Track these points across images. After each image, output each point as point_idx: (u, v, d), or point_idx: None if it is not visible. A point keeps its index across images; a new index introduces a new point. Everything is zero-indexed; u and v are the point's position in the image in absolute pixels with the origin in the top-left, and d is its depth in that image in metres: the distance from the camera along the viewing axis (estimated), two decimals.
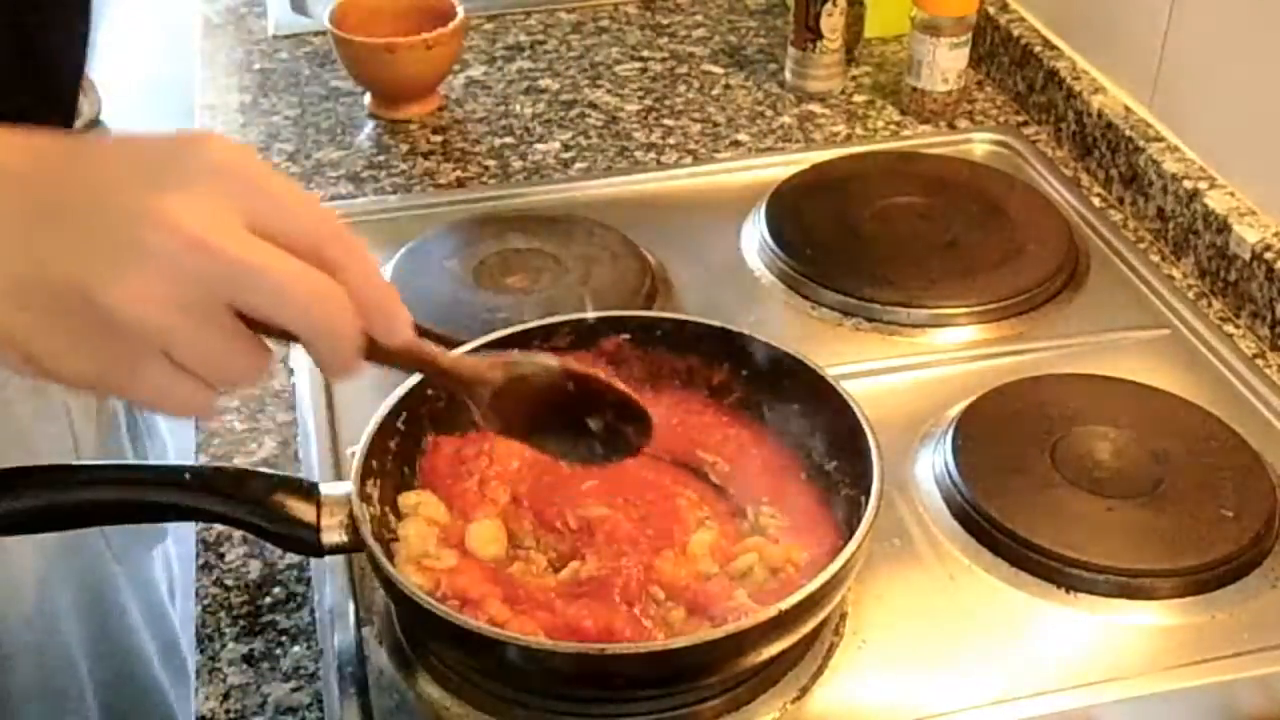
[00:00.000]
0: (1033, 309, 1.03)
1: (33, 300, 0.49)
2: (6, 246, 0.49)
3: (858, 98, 1.34)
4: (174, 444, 1.11)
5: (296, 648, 0.78)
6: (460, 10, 1.30)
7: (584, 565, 0.73)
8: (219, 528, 0.84)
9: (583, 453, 0.69)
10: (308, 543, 0.70)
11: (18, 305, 0.50)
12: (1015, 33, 1.32)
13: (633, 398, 0.70)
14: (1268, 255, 0.99)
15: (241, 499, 0.69)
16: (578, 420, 0.67)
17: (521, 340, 0.84)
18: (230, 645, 0.78)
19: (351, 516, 0.70)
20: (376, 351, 0.56)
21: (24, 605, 0.90)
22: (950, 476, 0.86)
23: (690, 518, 0.76)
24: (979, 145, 1.26)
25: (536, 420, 0.66)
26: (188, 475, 0.69)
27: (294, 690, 0.76)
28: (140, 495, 0.69)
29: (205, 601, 0.81)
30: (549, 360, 0.66)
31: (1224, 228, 1.04)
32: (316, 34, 1.45)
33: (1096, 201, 1.17)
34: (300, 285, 0.51)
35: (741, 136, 1.28)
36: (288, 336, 0.53)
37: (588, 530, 0.75)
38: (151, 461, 1.03)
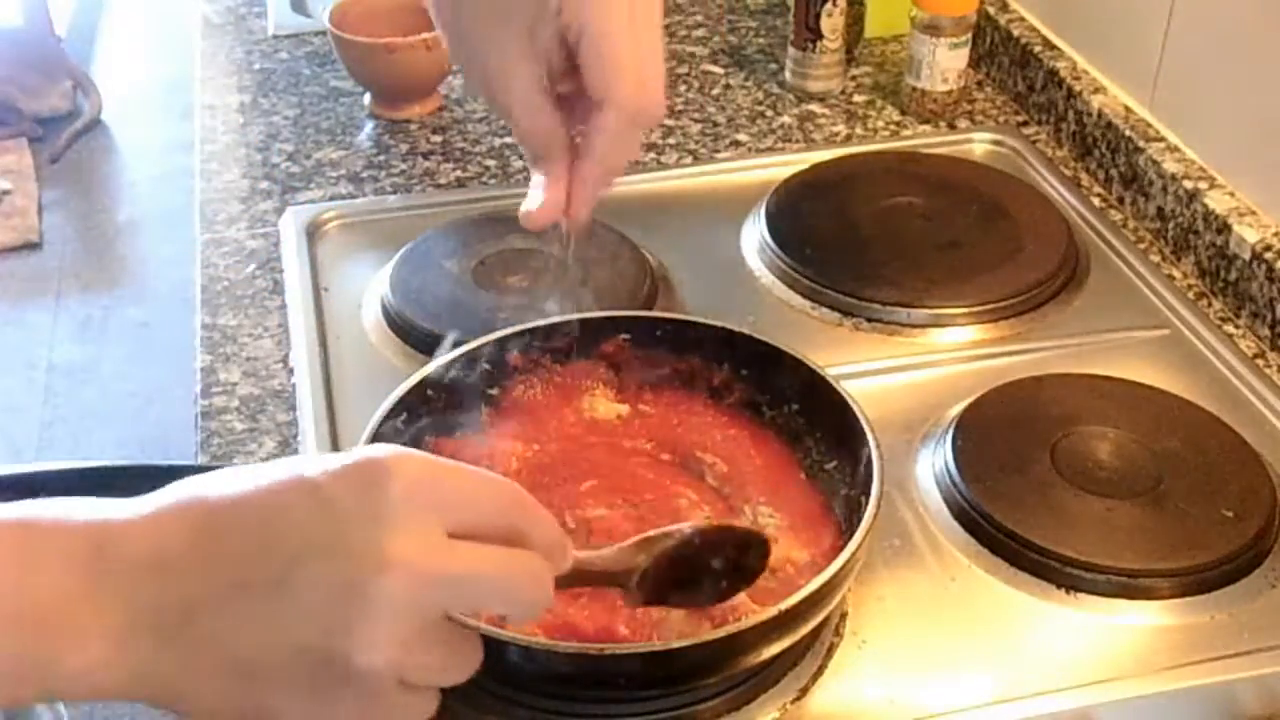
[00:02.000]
0: (1033, 309, 1.03)
1: (269, 673, 0.49)
2: (216, 627, 0.49)
3: (858, 98, 1.34)
4: None
5: None
6: None
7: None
8: None
9: (710, 594, 0.69)
10: None
11: (255, 681, 0.50)
12: (1015, 33, 1.32)
13: (753, 531, 0.71)
14: (1268, 255, 0.99)
15: None
16: (704, 565, 0.67)
17: (522, 340, 0.84)
18: None
19: None
20: None
21: None
22: (950, 476, 0.86)
23: (690, 518, 0.76)
24: (979, 145, 1.26)
25: (672, 583, 0.66)
26: (188, 475, 0.69)
27: None
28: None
29: None
30: (682, 527, 0.66)
31: (1224, 228, 1.04)
32: (316, 34, 1.45)
33: (1096, 201, 1.17)
34: (511, 581, 0.53)
35: (741, 136, 1.28)
36: None
37: (586, 531, 0.75)
38: (153, 461, 1.03)
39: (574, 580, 0.60)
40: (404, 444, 0.77)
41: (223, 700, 0.50)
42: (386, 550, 0.49)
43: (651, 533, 0.65)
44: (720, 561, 0.67)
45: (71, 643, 0.48)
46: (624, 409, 0.85)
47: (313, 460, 0.51)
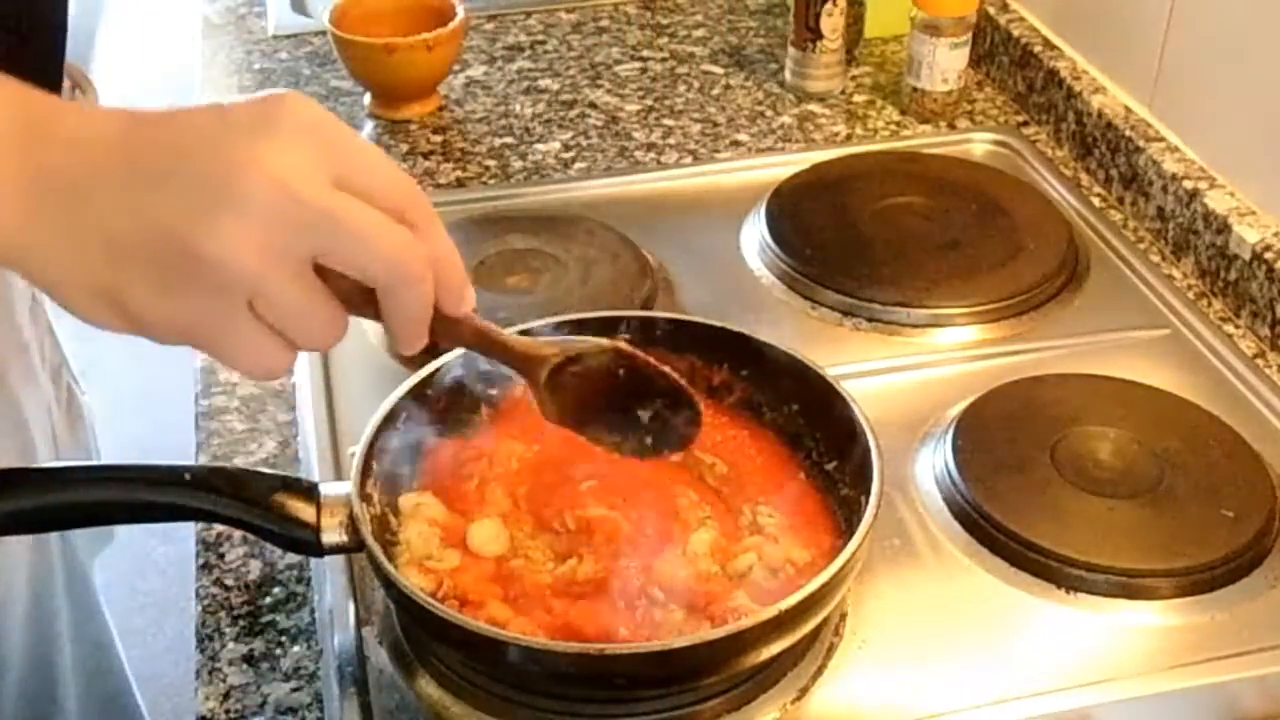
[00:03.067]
0: (1033, 309, 1.03)
1: (131, 254, 0.51)
2: (105, 205, 0.51)
3: (858, 98, 1.34)
4: None
5: (296, 648, 0.78)
6: (460, 10, 1.30)
7: (581, 565, 0.73)
8: (219, 528, 0.84)
9: (634, 444, 0.69)
10: (308, 543, 0.70)
11: (116, 259, 0.52)
12: (1015, 33, 1.32)
13: (684, 386, 0.70)
14: (1268, 255, 0.99)
15: (241, 499, 0.69)
16: (629, 411, 0.67)
17: None
18: (230, 645, 0.78)
19: (351, 517, 0.70)
20: (439, 324, 0.57)
21: (18, 606, 0.91)
22: (950, 476, 0.86)
23: (690, 518, 0.76)
24: (979, 145, 1.26)
25: (589, 410, 0.66)
26: (188, 475, 0.69)
27: (294, 690, 0.76)
28: (140, 495, 0.69)
29: (205, 601, 0.81)
30: (602, 340, 0.66)
31: (1224, 228, 1.04)
32: (316, 34, 1.45)
33: (1096, 201, 1.17)
34: (384, 237, 0.54)
35: (741, 136, 1.28)
36: (365, 305, 0.55)
37: (586, 531, 0.75)
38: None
39: (474, 339, 0.60)
40: (403, 445, 0.77)
41: (87, 273, 0.52)
42: (263, 159, 0.51)
43: (573, 336, 0.65)
44: (649, 414, 0.66)
45: None
46: None
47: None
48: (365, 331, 1.01)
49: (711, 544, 0.74)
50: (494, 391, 0.84)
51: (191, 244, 0.51)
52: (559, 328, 0.84)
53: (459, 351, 0.82)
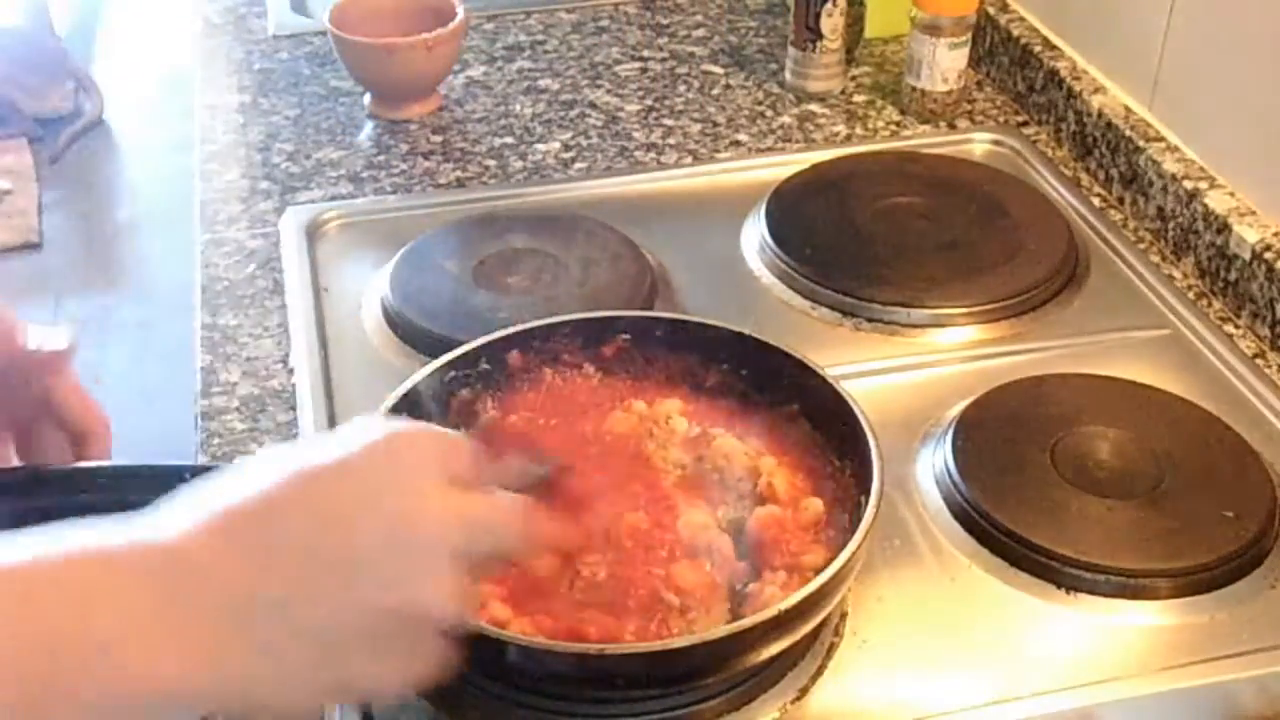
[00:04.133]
0: (1033, 309, 1.03)
1: (347, 642, 0.54)
2: (304, 612, 0.53)
3: (858, 98, 1.34)
4: None
5: None
6: (460, 10, 1.30)
7: (589, 569, 0.72)
8: None
9: None
10: None
11: (334, 652, 0.54)
12: (1015, 33, 1.32)
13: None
14: (1268, 255, 0.99)
15: None
16: None
17: (522, 340, 0.84)
18: None
19: None
20: None
21: None
22: (950, 476, 0.86)
23: (688, 516, 0.76)
24: (979, 145, 1.26)
25: None
26: (188, 475, 0.69)
27: None
28: (140, 496, 0.68)
29: None
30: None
31: (1224, 228, 1.04)
32: (316, 34, 1.45)
33: (1096, 201, 1.17)
34: (505, 508, 0.61)
35: (741, 136, 1.28)
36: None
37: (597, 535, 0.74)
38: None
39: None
40: None
41: (317, 675, 0.54)
42: (429, 512, 0.56)
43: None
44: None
45: (162, 651, 0.50)
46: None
47: (324, 448, 0.56)
48: (365, 332, 1.01)
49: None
50: (495, 391, 0.84)
51: (413, 611, 0.55)
52: (557, 328, 0.84)
53: (458, 351, 0.82)
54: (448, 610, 0.56)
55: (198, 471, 0.69)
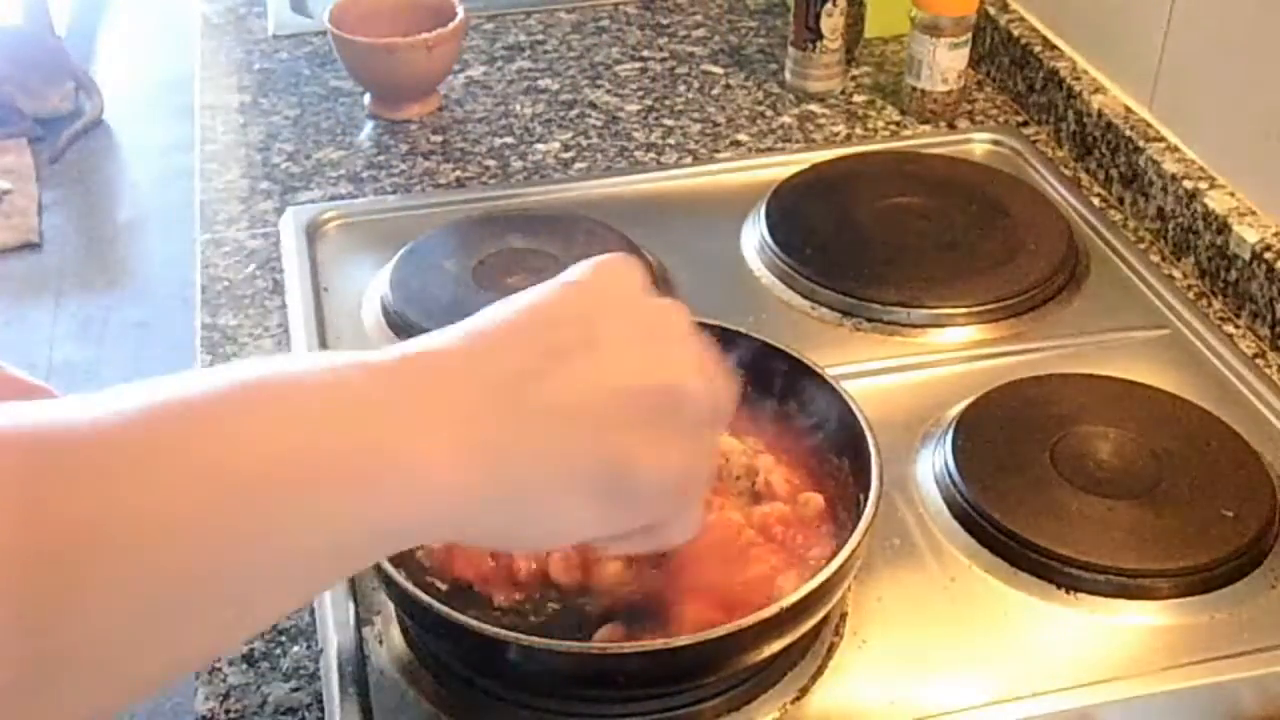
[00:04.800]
0: (1033, 309, 1.03)
1: (612, 416, 0.53)
2: (567, 389, 0.52)
3: (858, 98, 1.34)
4: None
5: (296, 648, 0.78)
6: (460, 10, 1.30)
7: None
8: None
9: None
10: None
11: (613, 428, 0.53)
12: (1015, 33, 1.32)
13: None
14: (1268, 255, 0.99)
15: None
16: None
17: None
18: None
19: None
20: None
21: None
22: (950, 476, 0.86)
23: None
24: (979, 145, 1.26)
25: None
26: None
27: (294, 690, 0.76)
28: None
29: None
30: None
31: (1224, 228, 1.04)
32: (316, 34, 1.45)
33: (1096, 201, 1.17)
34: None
35: (741, 136, 1.28)
36: None
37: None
38: None
39: None
40: None
41: (582, 457, 0.52)
42: (661, 307, 0.57)
43: None
44: None
45: (433, 450, 0.48)
46: None
47: (542, 286, 0.56)
48: (365, 332, 1.01)
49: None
50: None
51: (674, 385, 0.54)
52: None
53: None
54: (711, 397, 0.56)
55: None
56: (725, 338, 0.83)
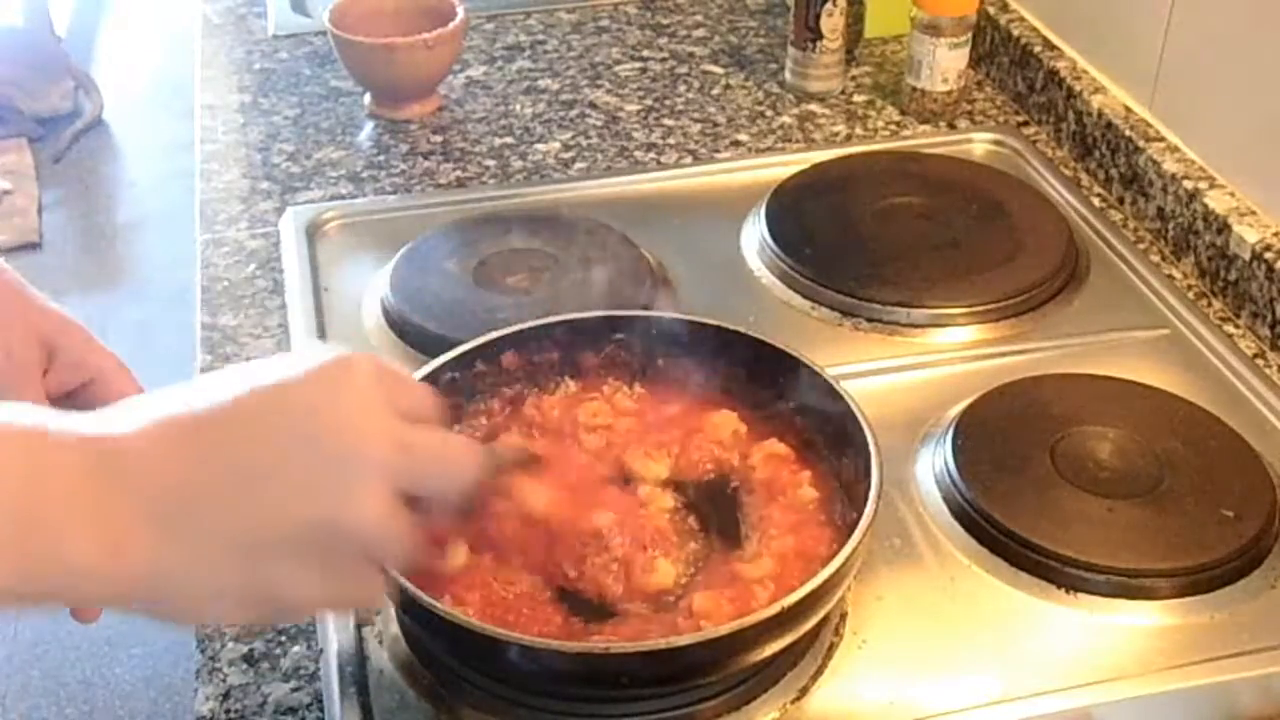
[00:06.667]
0: (1033, 309, 1.03)
1: (271, 549, 0.54)
2: (224, 516, 0.53)
3: (858, 98, 1.34)
4: None
5: (296, 648, 0.78)
6: (460, 10, 1.30)
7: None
8: None
9: None
10: None
11: (256, 559, 0.54)
12: (1015, 33, 1.32)
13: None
14: (1268, 255, 0.99)
15: None
16: None
17: (521, 340, 0.84)
18: (230, 645, 0.78)
19: None
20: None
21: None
22: (950, 476, 0.86)
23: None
24: (979, 145, 1.26)
25: None
26: None
27: (294, 690, 0.76)
28: None
29: None
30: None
31: (1224, 228, 1.04)
32: (316, 34, 1.45)
33: (1096, 201, 1.17)
34: (464, 459, 0.61)
35: (741, 136, 1.28)
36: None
37: (597, 536, 0.74)
38: None
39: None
40: None
41: (229, 579, 0.54)
42: (361, 429, 0.56)
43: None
44: None
45: (77, 536, 0.51)
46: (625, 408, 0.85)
47: (276, 366, 0.57)
48: (365, 332, 1.01)
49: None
50: (491, 393, 0.84)
51: (335, 521, 0.54)
52: (556, 328, 0.84)
53: (456, 352, 0.82)
54: (372, 532, 0.56)
55: None
56: (725, 338, 0.84)
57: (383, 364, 0.59)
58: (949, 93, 1.28)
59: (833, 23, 1.30)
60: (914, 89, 1.29)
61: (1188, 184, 1.08)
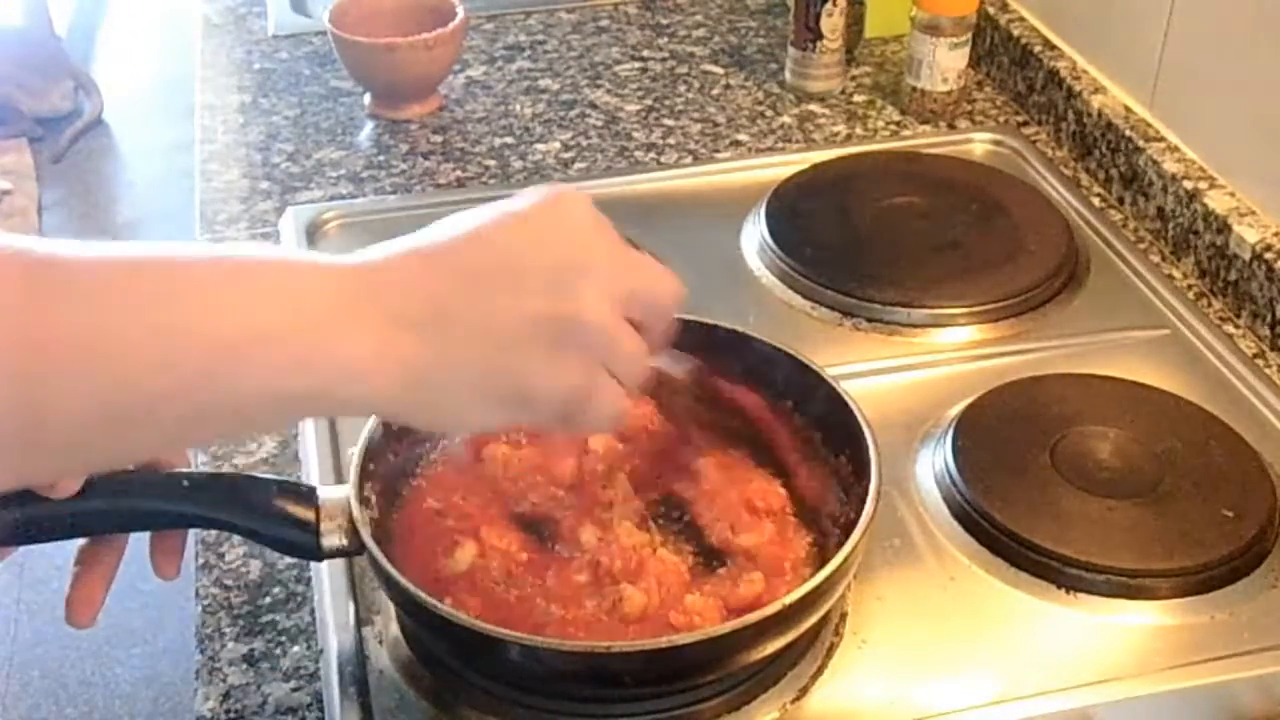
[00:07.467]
0: (1033, 309, 1.03)
1: (517, 343, 0.59)
2: (477, 320, 0.58)
3: (858, 98, 1.34)
4: None
5: (296, 648, 0.78)
6: (460, 10, 1.30)
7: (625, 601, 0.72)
8: None
9: None
10: (307, 548, 0.70)
11: (506, 352, 0.59)
12: (1015, 33, 1.32)
13: None
14: (1268, 255, 0.99)
15: (239, 506, 0.68)
16: None
17: None
18: (230, 645, 0.78)
19: (351, 520, 0.70)
20: None
21: None
22: (950, 476, 0.86)
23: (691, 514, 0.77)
24: (979, 145, 1.26)
25: None
26: (186, 482, 0.69)
27: (294, 690, 0.76)
28: (136, 504, 0.67)
29: (205, 601, 0.81)
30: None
31: (1224, 228, 1.04)
32: (316, 34, 1.45)
33: (1096, 201, 1.17)
34: (666, 278, 0.65)
35: (741, 136, 1.28)
36: None
37: (607, 538, 0.74)
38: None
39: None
40: (398, 460, 0.77)
41: (484, 373, 0.59)
42: (591, 242, 0.61)
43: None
44: None
45: (345, 338, 0.55)
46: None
47: (504, 203, 0.62)
48: None
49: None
50: None
51: (567, 317, 0.59)
52: None
53: None
54: (611, 330, 0.60)
55: (196, 479, 0.69)
56: (725, 338, 0.84)
57: (585, 199, 0.63)
58: (949, 93, 1.28)
59: (833, 23, 1.30)
60: (914, 89, 1.29)
61: (1188, 184, 1.08)
